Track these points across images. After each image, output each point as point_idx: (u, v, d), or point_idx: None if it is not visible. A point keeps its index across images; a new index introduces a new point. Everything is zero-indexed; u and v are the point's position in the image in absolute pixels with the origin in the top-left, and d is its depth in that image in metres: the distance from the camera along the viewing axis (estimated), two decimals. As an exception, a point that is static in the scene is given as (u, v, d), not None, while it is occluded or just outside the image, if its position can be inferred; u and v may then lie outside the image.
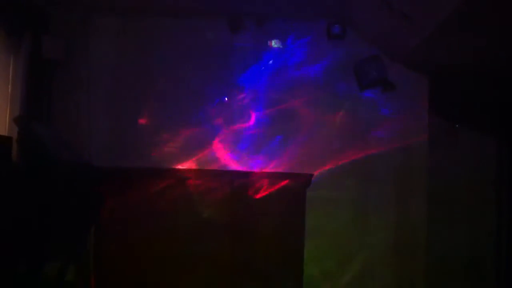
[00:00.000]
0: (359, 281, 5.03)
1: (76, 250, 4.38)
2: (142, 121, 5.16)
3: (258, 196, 4.71)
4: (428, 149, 5.07)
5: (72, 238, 4.26)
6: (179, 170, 4.93)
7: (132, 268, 4.58)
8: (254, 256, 4.64)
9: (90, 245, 4.61)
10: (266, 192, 4.74)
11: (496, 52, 4.34)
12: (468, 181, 5.24)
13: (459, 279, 5.29)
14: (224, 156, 5.12)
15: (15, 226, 3.79)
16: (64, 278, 4.20)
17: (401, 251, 5.06)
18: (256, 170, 5.04)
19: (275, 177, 4.85)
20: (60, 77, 5.12)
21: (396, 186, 5.07)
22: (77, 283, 4.50)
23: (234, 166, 5.10)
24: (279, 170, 5.03)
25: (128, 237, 4.61)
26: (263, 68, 5.20)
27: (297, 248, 4.70)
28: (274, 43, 5.21)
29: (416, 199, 5.05)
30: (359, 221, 5.07)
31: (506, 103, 5.20)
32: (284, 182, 4.77)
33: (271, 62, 5.20)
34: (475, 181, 5.27)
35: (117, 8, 5.07)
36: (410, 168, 5.07)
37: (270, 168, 5.08)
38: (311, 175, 4.84)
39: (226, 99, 5.23)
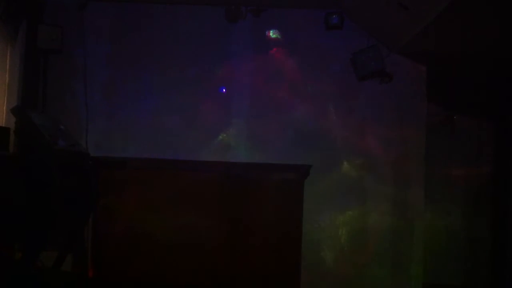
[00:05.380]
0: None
1: (73, 240, 4.36)
2: (138, 109, 5.13)
3: (256, 187, 4.70)
4: (426, 137, 5.08)
5: (69, 228, 4.25)
6: (176, 161, 4.91)
7: (131, 258, 4.56)
8: (251, 246, 4.62)
9: (88, 235, 4.59)
10: (264, 183, 4.72)
11: (497, 38, 4.35)
12: (465, 168, 5.29)
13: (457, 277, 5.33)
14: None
15: (12, 215, 3.78)
16: (60, 267, 4.18)
17: (399, 242, 5.07)
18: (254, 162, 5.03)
19: (273, 168, 4.83)
20: (56, 66, 5.11)
21: (393, 174, 5.08)
22: (74, 274, 4.48)
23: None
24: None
25: (126, 227, 4.59)
26: (260, 59, 5.19)
27: (295, 238, 4.68)
28: (272, 34, 5.20)
29: (414, 186, 5.06)
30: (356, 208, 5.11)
31: (504, 91, 5.21)
32: (282, 173, 4.75)
33: (268, 53, 5.20)
34: (472, 168, 5.32)
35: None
36: (408, 156, 5.08)
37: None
38: (309, 166, 4.82)
39: (224, 90, 5.22)
